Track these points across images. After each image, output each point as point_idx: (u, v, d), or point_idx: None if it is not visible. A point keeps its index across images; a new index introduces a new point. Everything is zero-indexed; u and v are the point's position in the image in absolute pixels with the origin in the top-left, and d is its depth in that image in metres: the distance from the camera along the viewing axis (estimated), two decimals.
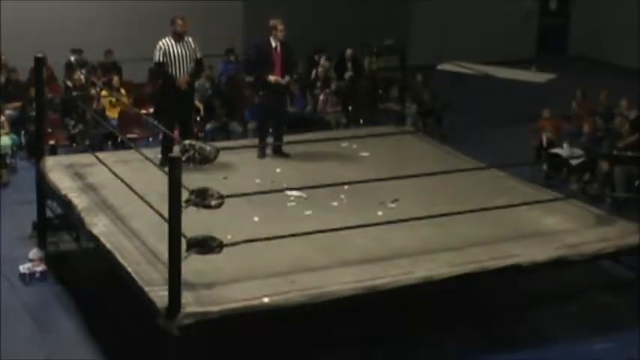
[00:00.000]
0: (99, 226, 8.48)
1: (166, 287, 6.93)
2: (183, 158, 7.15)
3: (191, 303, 6.97)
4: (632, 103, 13.72)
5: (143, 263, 7.66)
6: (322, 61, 15.97)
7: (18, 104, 14.07)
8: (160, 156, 9.99)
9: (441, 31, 20.32)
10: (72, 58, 15.24)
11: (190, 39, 10.34)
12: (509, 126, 14.74)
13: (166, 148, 10.04)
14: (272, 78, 10.67)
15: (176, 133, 10.41)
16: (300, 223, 8.31)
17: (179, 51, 10.21)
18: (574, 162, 12.68)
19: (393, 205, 9.16)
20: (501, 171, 10.21)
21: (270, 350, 8.00)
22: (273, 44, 10.75)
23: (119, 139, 12.56)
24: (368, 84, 16.62)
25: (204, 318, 6.94)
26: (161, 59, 10.23)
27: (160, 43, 10.25)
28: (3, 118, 13.32)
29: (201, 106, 14.51)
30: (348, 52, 16.84)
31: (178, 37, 10.25)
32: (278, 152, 10.83)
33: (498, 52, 19.73)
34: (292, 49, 10.97)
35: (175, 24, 10.27)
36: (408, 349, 8.20)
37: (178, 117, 10.49)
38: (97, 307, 8.85)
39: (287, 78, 10.88)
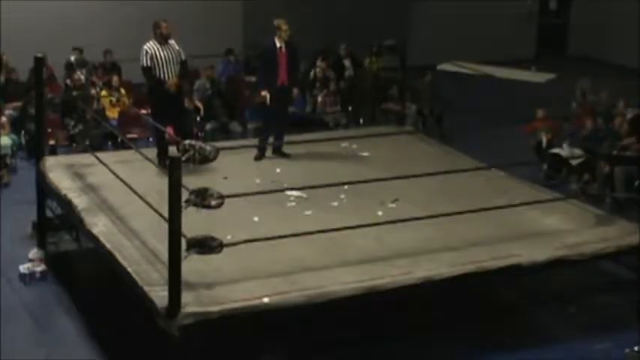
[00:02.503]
0: (99, 226, 8.48)
1: (166, 287, 6.93)
2: (183, 158, 7.16)
3: (191, 303, 6.97)
4: (629, 103, 13.74)
5: (143, 263, 7.66)
6: (319, 61, 15.99)
7: (18, 104, 14.08)
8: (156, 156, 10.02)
9: (441, 31, 20.32)
10: (72, 58, 15.24)
11: (173, 41, 10.34)
12: (509, 126, 14.75)
13: (161, 150, 10.07)
14: (264, 94, 10.81)
15: (169, 131, 10.41)
16: (300, 223, 8.31)
17: (165, 54, 10.22)
18: (574, 162, 12.69)
19: (393, 205, 9.16)
20: (501, 171, 10.21)
21: (270, 350, 7.99)
22: (278, 44, 10.76)
23: (119, 139, 12.56)
24: (368, 84, 16.62)
25: (204, 318, 6.94)
26: (148, 63, 10.22)
27: (146, 47, 10.24)
28: (4, 118, 13.31)
29: (201, 106, 14.52)
30: (343, 49, 16.86)
31: (163, 40, 10.25)
32: (278, 152, 10.84)
33: (498, 52, 19.74)
34: (296, 48, 10.98)
35: (160, 27, 10.26)
36: (408, 349, 8.20)
37: (170, 119, 10.51)
38: (97, 307, 8.85)
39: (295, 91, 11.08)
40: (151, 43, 10.25)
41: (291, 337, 8.11)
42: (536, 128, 13.80)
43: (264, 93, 10.81)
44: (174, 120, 10.56)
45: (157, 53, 10.19)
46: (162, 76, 10.22)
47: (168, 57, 10.23)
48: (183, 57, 10.43)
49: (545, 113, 14.03)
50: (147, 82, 10.54)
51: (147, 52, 10.21)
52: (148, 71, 10.28)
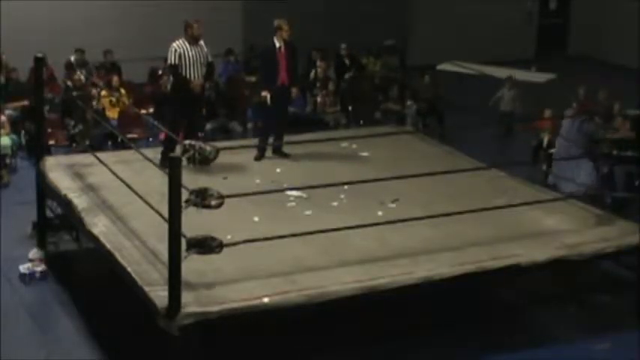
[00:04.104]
0: (99, 226, 8.48)
1: (166, 287, 6.93)
2: (184, 158, 7.16)
3: (191, 303, 6.97)
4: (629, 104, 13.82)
5: (143, 263, 7.66)
6: (318, 62, 15.99)
7: (18, 104, 14.08)
8: (159, 156, 10.00)
9: (441, 31, 20.32)
10: (72, 58, 15.25)
11: (202, 42, 10.36)
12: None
13: (168, 149, 10.06)
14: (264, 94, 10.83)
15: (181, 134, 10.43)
16: (300, 223, 8.31)
17: (193, 54, 10.23)
18: None
19: (393, 205, 9.16)
20: (501, 171, 10.21)
21: (270, 350, 8.00)
22: (277, 44, 10.77)
23: (119, 139, 12.56)
24: (368, 84, 16.63)
25: (204, 318, 6.94)
26: (176, 61, 10.24)
27: (175, 45, 10.26)
28: (3, 118, 13.32)
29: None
30: (343, 49, 16.86)
31: (193, 41, 10.27)
32: (278, 152, 10.84)
33: (498, 52, 19.74)
34: (296, 48, 10.98)
35: (192, 28, 10.28)
36: (408, 349, 8.20)
37: (188, 119, 10.53)
38: (97, 307, 8.86)
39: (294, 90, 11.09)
40: (180, 41, 10.28)
41: (291, 337, 8.10)
42: (540, 127, 13.78)
43: (264, 93, 10.82)
44: (192, 120, 10.57)
45: (185, 52, 10.21)
46: (188, 75, 10.23)
47: (196, 57, 10.25)
48: (210, 59, 10.46)
49: (552, 113, 14.04)
50: (173, 80, 10.54)
51: (175, 50, 10.23)
52: (174, 69, 10.30)
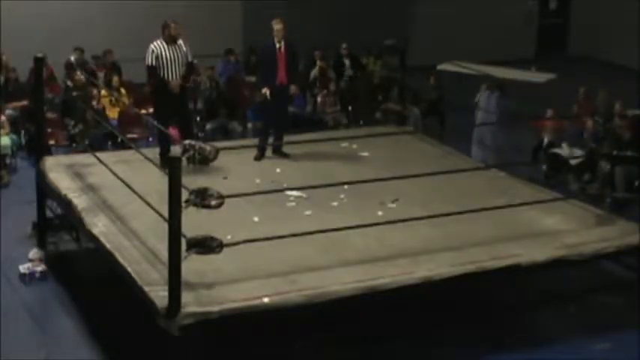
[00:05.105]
0: (99, 226, 8.48)
1: (166, 287, 6.93)
2: (183, 158, 7.17)
3: (191, 303, 6.97)
4: (629, 104, 13.80)
5: (143, 263, 7.67)
6: (318, 62, 15.98)
7: (18, 104, 14.07)
8: (158, 156, 10.02)
9: (441, 31, 20.31)
10: (72, 58, 15.24)
11: (181, 42, 10.35)
12: (509, 126, 14.73)
13: (163, 150, 10.08)
14: (264, 91, 10.84)
15: (173, 132, 10.42)
16: (300, 223, 8.31)
17: (171, 54, 10.22)
18: (573, 162, 12.69)
19: (393, 205, 9.16)
20: (501, 171, 10.21)
21: (270, 350, 8.00)
22: (277, 44, 10.78)
23: (119, 139, 12.56)
24: (368, 84, 16.61)
25: (204, 318, 6.94)
26: (153, 62, 10.23)
27: (152, 46, 10.25)
28: (3, 118, 13.32)
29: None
30: (344, 49, 16.85)
31: (171, 41, 10.26)
32: (278, 152, 10.84)
33: (498, 52, 19.73)
34: (295, 48, 10.99)
35: (169, 28, 10.27)
36: (408, 349, 8.20)
37: (174, 119, 10.52)
38: (97, 307, 8.85)
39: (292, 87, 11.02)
40: (158, 42, 10.27)
41: (291, 337, 8.10)
42: (542, 128, 13.77)
43: (264, 90, 10.81)
44: (179, 120, 10.58)
45: (163, 53, 10.20)
46: (166, 76, 10.22)
47: (174, 57, 10.24)
48: (189, 58, 10.44)
49: (554, 114, 14.04)
50: (150, 81, 10.54)
51: (153, 51, 10.23)
52: (152, 70, 10.29)
